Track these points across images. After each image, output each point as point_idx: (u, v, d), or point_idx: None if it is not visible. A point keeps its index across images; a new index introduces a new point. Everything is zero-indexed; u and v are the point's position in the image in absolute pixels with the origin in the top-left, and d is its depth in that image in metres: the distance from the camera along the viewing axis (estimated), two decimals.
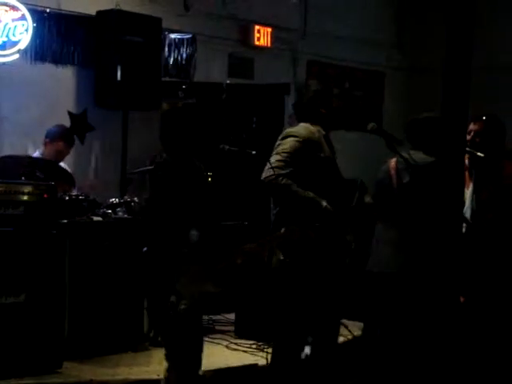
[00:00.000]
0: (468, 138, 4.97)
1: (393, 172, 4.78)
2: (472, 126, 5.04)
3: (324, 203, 4.30)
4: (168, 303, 3.90)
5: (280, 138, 4.45)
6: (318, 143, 4.42)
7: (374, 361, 4.79)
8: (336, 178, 4.48)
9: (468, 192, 4.99)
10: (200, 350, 4.11)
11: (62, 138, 6.30)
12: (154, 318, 4.18)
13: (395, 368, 4.63)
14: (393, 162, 4.82)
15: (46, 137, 6.29)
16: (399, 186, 4.72)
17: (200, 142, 4.17)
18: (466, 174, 4.97)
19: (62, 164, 6.42)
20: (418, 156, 4.67)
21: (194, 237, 3.94)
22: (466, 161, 4.95)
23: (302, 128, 4.46)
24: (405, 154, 4.65)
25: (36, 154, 6.24)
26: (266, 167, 4.29)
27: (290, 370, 4.38)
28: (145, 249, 3.97)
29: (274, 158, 4.32)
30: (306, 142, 4.36)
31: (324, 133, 4.49)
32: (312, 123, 4.48)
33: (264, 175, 4.28)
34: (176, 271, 3.90)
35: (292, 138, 4.37)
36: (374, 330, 4.91)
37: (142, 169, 5.08)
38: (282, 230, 4.25)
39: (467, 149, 4.83)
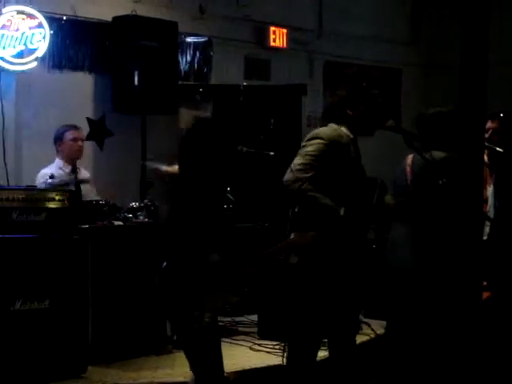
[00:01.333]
0: (486, 136, 4.94)
1: (408, 169, 4.76)
2: (489, 124, 5.00)
3: (342, 212, 4.19)
4: (191, 317, 3.88)
5: (306, 139, 4.35)
6: (344, 146, 4.33)
7: (397, 359, 4.77)
8: (360, 180, 4.43)
9: (490, 190, 4.96)
10: (221, 356, 4.13)
11: (68, 129, 6.42)
12: (176, 327, 4.16)
13: (416, 366, 4.62)
14: (409, 159, 4.79)
15: (56, 141, 6.41)
16: (414, 183, 4.70)
17: (220, 155, 4.10)
18: (487, 171, 4.94)
19: (85, 172, 6.49)
20: (435, 152, 4.64)
21: (214, 260, 3.92)
22: (486, 158, 4.92)
23: (330, 130, 4.37)
24: (423, 151, 4.63)
25: (56, 163, 6.32)
26: (289, 170, 4.21)
27: (305, 371, 4.37)
28: (164, 264, 3.93)
29: (297, 161, 4.23)
30: (332, 145, 4.26)
31: (352, 136, 4.40)
32: (339, 124, 4.40)
33: (285, 178, 4.21)
34: (198, 284, 3.88)
35: (318, 140, 4.27)
36: (397, 329, 4.89)
37: (161, 166, 5.09)
38: (292, 235, 4.21)
39: (486, 144, 4.80)
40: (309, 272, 4.32)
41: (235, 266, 3.92)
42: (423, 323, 4.59)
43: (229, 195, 5.54)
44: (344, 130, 4.39)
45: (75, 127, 6.49)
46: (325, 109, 4.63)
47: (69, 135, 6.40)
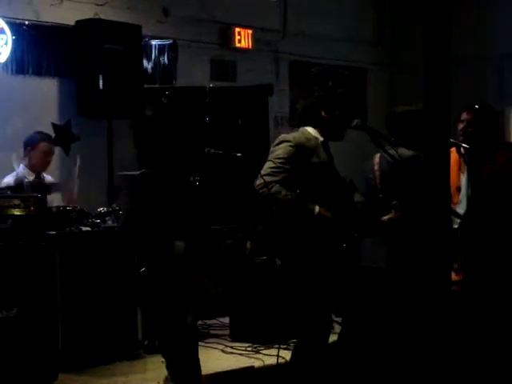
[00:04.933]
0: (461, 127, 4.99)
1: (376, 168, 4.80)
2: (464, 116, 5.04)
3: (316, 209, 4.30)
4: (168, 317, 3.90)
5: (274, 144, 4.45)
6: (311, 149, 4.42)
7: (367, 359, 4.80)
8: (333, 183, 4.49)
9: (463, 179, 5.00)
10: (198, 357, 4.14)
11: (43, 139, 6.33)
12: (150, 330, 4.18)
13: (388, 365, 4.65)
14: (377, 157, 4.84)
15: (27, 146, 6.30)
16: (383, 182, 4.74)
17: (180, 150, 4.14)
18: (461, 160, 4.98)
19: (48, 176, 6.42)
20: (402, 151, 4.68)
21: (179, 248, 3.93)
22: (462, 149, 4.96)
23: (298, 133, 4.47)
24: (390, 150, 4.66)
25: (20, 168, 6.23)
26: (259, 175, 4.30)
27: (312, 368, 4.42)
28: (143, 269, 3.95)
29: (266, 166, 4.33)
30: (298, 147, 4.36)
31: (322, 139, 4.48)
32: (313, 127, 4.49)
33: (256, 183, 4.29)
34: (172, 285, 3.90)
35: (285, 144, 4.37)
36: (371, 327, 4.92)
37: (128, 173, 5.11)
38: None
39: (452, 140, 4.84)
40: (293, 271, 4.39)
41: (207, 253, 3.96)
42: (397, 321, 4.62)
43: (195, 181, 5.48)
44: (313, 133, 4.47)
45: (50, 139, 6.37)
46: (299, 112, 4.61)
47: (43, 147, 6.26)
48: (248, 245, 4.72)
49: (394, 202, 4.54)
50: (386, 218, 4.59)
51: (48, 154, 6.32)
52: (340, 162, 4.72)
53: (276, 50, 9.12)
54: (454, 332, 3.66)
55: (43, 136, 6.37)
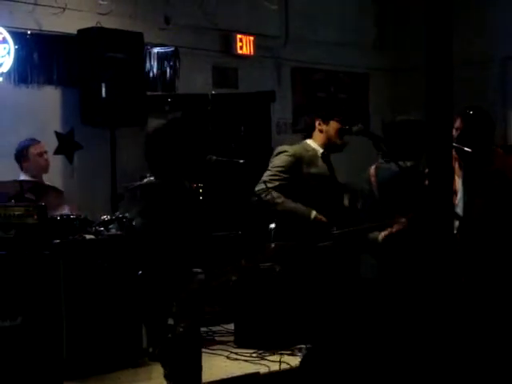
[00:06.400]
0: (455, 134, 4.97)
1: (373, 179, 4.81)
2: (458, 122, 5.03)
3: (313, 215, 4.56)
4: (165, 325, 3.90)
5: (273, 155, 4.80)
6: (309, 160, 4.72)
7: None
8: (332, 194, 4.61)
9: (459, 182, 4.99)
10: (200, 367, 4.13)
11: (29, 145, 6.37)
12: (153, 337, 4.17)
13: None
14: (372, 169, 4.85)
15: (20, 158, 6.36)
16: (381, 192, 4.74)
17: (188, 159, 4.17)
18: (457, 164, 4.98)
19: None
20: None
21: (200, 277, 3.97)
22: (454, 153, 4.94)
23: (298, 145, 4.82)
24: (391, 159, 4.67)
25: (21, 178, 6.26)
26: (260, 181, 4.65)
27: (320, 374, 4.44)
28: (140, 272, 3.97)
29: (265, 174, 4.68)
30: (296, 157, 4.69)
31: (322, 151, 4.74)
32: (313, 140, 4.81)
33: (256, 188, 4.61)
34: (173, 294, 3.90)
35: (283, 154, 4.73)
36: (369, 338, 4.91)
37: (133, 184, 5.12)
38: (272, 245, 4.37)
39: (454, 144, 4.83)
40: (296, 277, 4.47)
41: (214, 277, 3.96)
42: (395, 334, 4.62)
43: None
44: (313, 145, 4.79)
45: (36, 141, 6.42)
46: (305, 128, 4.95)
47: (34, 150, 6.34)
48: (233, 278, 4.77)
49: (409, 215, 4.55)
50: (394, 229, 4.60)
51: (41, 154, 6.37)
52: (345, 169, 4.78)
53: (278, 56, 9.14)
54: (457, 337, 3.66)
55: (28, 142, 6.41)
